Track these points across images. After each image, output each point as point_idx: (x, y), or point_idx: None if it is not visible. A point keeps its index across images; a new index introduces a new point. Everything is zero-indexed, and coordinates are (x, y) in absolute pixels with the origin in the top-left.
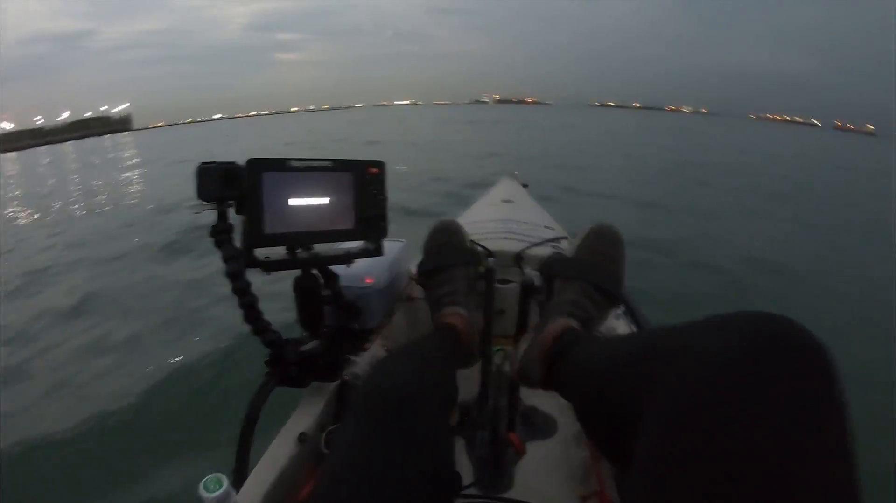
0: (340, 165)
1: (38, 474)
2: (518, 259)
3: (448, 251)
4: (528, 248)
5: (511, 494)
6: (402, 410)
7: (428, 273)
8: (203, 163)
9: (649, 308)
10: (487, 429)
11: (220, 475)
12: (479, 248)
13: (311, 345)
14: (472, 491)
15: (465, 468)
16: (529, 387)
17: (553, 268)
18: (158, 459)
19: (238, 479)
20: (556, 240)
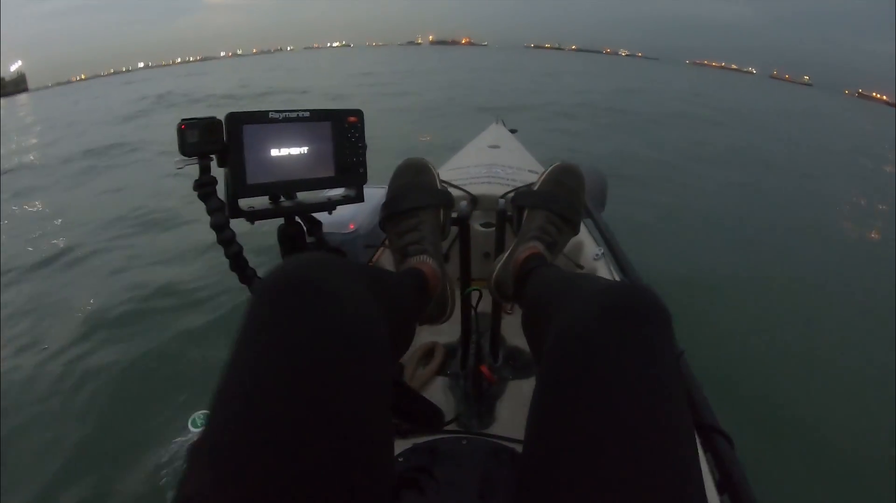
0: (319, 115)
1: None
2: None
3: (414, 193)
4: (510, 191)
5: (493, 430)
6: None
7: (391, 217)
8: (184, 119)
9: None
10: (469, 369)
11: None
12: (456, 190)
13: None
14: (452, 427)
15: (449, 407)
16: (504, 300)
17: (521, 199)
18: None
19: None
20: None
